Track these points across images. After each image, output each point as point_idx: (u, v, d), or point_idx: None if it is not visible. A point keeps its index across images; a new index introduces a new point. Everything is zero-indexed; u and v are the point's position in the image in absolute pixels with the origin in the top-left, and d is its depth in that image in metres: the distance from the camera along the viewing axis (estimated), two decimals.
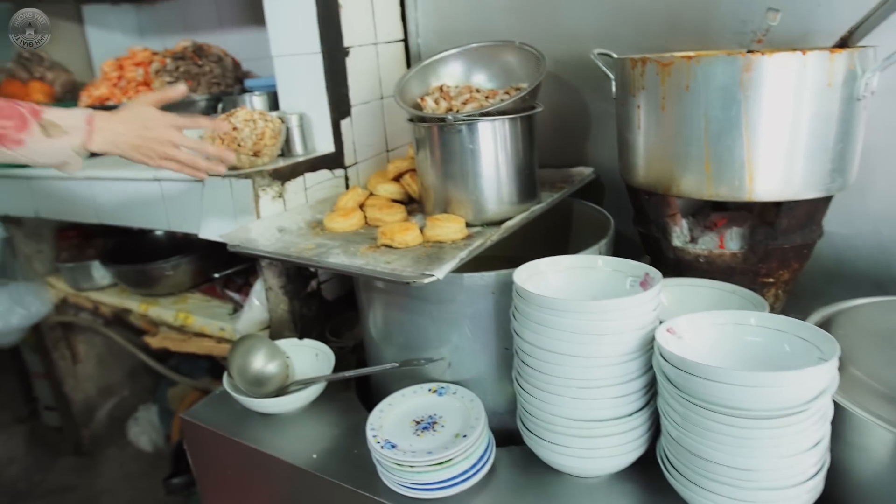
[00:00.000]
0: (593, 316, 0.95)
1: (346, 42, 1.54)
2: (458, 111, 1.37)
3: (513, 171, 1.33)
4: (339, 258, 1.21)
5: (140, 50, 1.94)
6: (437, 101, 1.41)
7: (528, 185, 1.37)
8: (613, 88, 1.37)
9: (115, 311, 2.02)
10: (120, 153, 1.21)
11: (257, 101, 1.61)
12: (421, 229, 1.28)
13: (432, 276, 1.06)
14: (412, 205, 1.53)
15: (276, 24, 1.52)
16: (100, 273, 2.03)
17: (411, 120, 1.38)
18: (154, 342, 1.89)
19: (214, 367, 2.13)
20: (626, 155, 1.34)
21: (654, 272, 1.04)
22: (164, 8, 2.26)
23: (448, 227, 1.27)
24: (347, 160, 1.59)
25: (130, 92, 1.90)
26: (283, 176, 1.43)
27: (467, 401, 1.15)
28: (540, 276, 1.12)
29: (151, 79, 1.87)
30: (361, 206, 1.47)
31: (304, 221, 1.45)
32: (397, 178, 1.56)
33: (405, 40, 1.76)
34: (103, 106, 1.91)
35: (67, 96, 2.05)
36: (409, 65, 1.78)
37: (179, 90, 1.26)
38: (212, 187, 1.44)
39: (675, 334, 0.96)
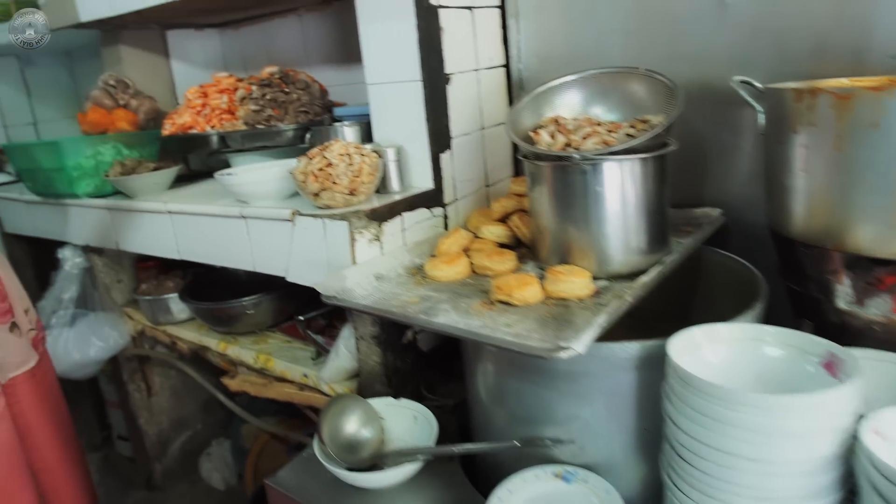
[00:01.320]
0: (779, 413, 0.76)
1: (448, 68, 1.39)
2: (577, 147, 1.20)
3: (643, 217, 1.16)
4: (450, 316, 1.06)
5: (225, 76, 1.85)
6: (552, 135, 1.24)
7: (659, 231, 1.19)
8: (761, 121, 1.18)
9: (193, 348, 1.92)
10: None
11: (349, 133, 1.47)
12: (538, 279, 1.12)
13: (571, 348, 0.89)
14: (520, 249, 1.36)
15: (372, 50, 1.39)
16: (178, 307, 1.94)
17: (525, 157, 1.21)
18: (233, 385, 1.77)
19: (285, 407, 2.01)
20: (779, 200, 1.14)
21: (845, 354, 0.85)
22: (249, 33, 2.17)
23: (573, 283, 1.10)
24: (447, 197, 1.44)
25: (214, 120, 1.80)
26: (380, 216, 1.29)
27: (601, 492, 0.97)
28: (695, 348, 0.94)
29: (236, 106, 1.76)
30: (466, 251, 1.32)
31: (403, 267, 1.30)
32: (503, 219, 1.39)
33: (507, 66, 1.60)
34: (186, 134, 1.82)
35: (151, 124, 1.97)
36: (510, 92, 1.63)
37: None
38: (302, 227, 1.31)
39: (884, 437, 0.76)
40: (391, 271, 1.28)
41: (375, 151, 1.36)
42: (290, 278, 1.39)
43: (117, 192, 1.85)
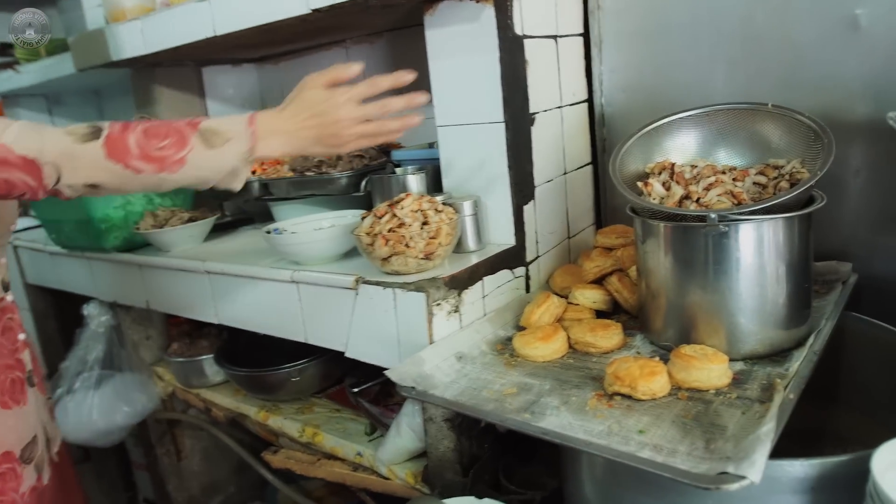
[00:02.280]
0: None
1: (533, 107, 1.20)
2: (699, 200, 1.00)
3: (786, 287, 0.96)
4: (562, 418, 0.86)
5: None
6: (666, 185, 1.04)
7: (802, 303, 0.99)
8: None
9: (230, 416, 1.72)
10: (298, 152, 1.01)
11: (414, 182, 1.28)
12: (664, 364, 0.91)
13: (745, 478, 0.68)
14: (620, 315, 1.16)
15: (444, 87, 1.20)
16: (213, 369, 1.75)
17: (635, 212, 1.01)
18: (276, 461, 1.57)
19: None
20: None
21: None
22: (289, 68, 2.01)
23: (710, 371, 0.89)
24: (529, 254, 1.24)
25: (255, 164, 1.62)
26: (460, 284, 1.09)
27: None
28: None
29: None
30: (559, 321, 1.12)
31: (486, 343, 1.10)
32: (597, 280, 1.19)
33: (590, 100, 1.41)
34: None
35: None
36: (592, 130, 1.43)
37: (354, 69, 1.00)
38: (368, 297, 1.11)
39: None
40: (474, 349, 1.08)
41: (451, 205, 1.17)
42: (350, 354, 1.19)
43: (148, 245, 1.67)
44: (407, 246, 1.06)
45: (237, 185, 1.00)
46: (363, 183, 1.40)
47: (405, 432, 1.28)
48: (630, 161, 1.10)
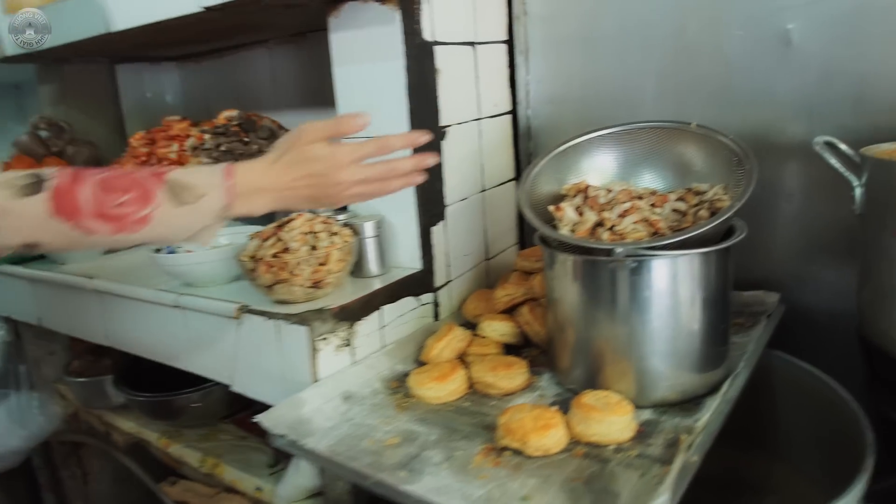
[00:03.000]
0: None
1: (444, 119, 1.10)
2: (613, 228, 0.91)
3: (701, 328, 0.87)
4: (440, 478, 0.75)
5: (176, 121, 1.55)
6: (579, 211, 0.95)
7: (719, 344, 0.90)
8: (857, 198, 0.89)
9: (131, 441, 1.59)
10: (284, 209, 0.87)
11: None
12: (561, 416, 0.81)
13: None
14: (531, 349, 1.06)
15: (348, 97, 1.10)
16: (114, 390, 1.61)
17: (545, 242, 0.92)
18: (173, 493, 1.45)
19: None
20: (880, 305, 0.85)
21: None
22: (212, 68, 1.87)
23: (610, 424, 0.80)
24: (437, 279, 1.14)
25: None
26: (352, 315, 0.98)
27: None
28: None
29: (187, 157, 1.46)
30: (463, 357, 1.01)
31: (380, 379, 0.99)
32: (509, 310, 1.09)
33: (513, 112, 1.31)
34: None
35: None
36: (516, 144, 1.33)
37: (362, 120, 0.84)
38: (251, 328, 1.00)
39: None
40: (365, 387, 0.97)
41: (350, 226, 1.06)
42: (237, 388, 1.07)
43: (43, 257, 1.53)
44: (292, 273, 0.95)
45: (206, 242, 0.85)
46: None
47: (303, 468, 1.16)
48: (545, 181, 1.00)
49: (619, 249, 0.79)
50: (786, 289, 1.13)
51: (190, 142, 1.42)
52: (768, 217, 1.14)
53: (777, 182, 1.12)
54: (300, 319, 0.93)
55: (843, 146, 0.93)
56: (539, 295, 1.08)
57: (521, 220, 1.37)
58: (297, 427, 0.88)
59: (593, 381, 0.89)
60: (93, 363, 1.69)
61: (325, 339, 0.94)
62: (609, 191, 0.96)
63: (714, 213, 0.89)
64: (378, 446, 0.83)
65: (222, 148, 1.34)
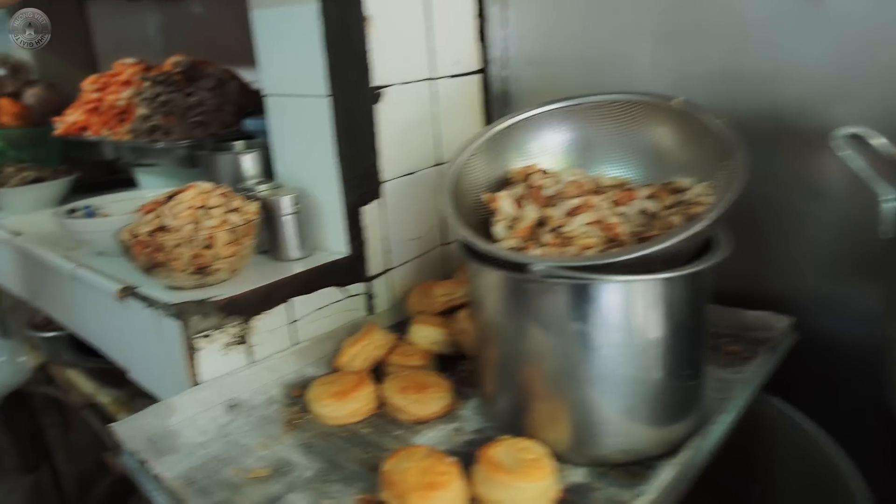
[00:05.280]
0: None
1: (379, 78, 0.88)
2: (557, 227, 0.69)
3: (661, 372, 0.65)
4: None
5: (130, 64, 1.37)
6: (518, 203, 0.73)
7: (688, 393, 0.68)
8: (887, 213, 0.65)
9: (88, 402, 1.47)
10: None
11: (247, 162, 0.98)
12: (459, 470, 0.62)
13: None
14: (466, 364, 0.86)
15: (267, 45, 0.89)
16: (66, 351, 1.48)
17: (469, 249, 0.71)
18: (116, 464, 1.32)
19: None
20: None
21: None
22: (196, 7, 1.67)
23: (520, 491, 0.60)
24: (372, 268, 0.94)
25: (112, 121, 1.32)
26: (247, 308, 0.80)
27: None
28: None
29: (135, 105, 1.28)
30: (382, 364, 0.82)
31: (281, 385, 0.82)
32: (449, 311, 0.89)
33: (483, 71, 1.08)
34: (77, 137, 1.35)
35: (47, 119, 1.50)
36: (488, 110, 1.11)
37: None
38: (135, 314, 0.83)
39: None
40: (259, 394, 0.80)
41: (261, 200, 0.86)
42: (135, 377, 0.91)
43: None
44: (171, 258, 0.77)
45: None
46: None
47: None
48: (484, 166, 0.78)
49: (537, 266, 0.58)
50: (801, 311, 0.87)
51: (131, 89, 1.24)
52: (786, 220, 0.89)
53: (800, 178, 0.87)
54: (176, 311, 0.76)
55: (875, 141, 0.68)
56: None
57: None
58: (157, 442, 0.72)
59: (519, 419, 0.69)
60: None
61: (207, 335, 0.77)
62: (559, 181, 0.74)
63: (692, 218, 0.67)
64: (240, 478, 0.66)
65: (161, 98, 1.15)
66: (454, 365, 0.85)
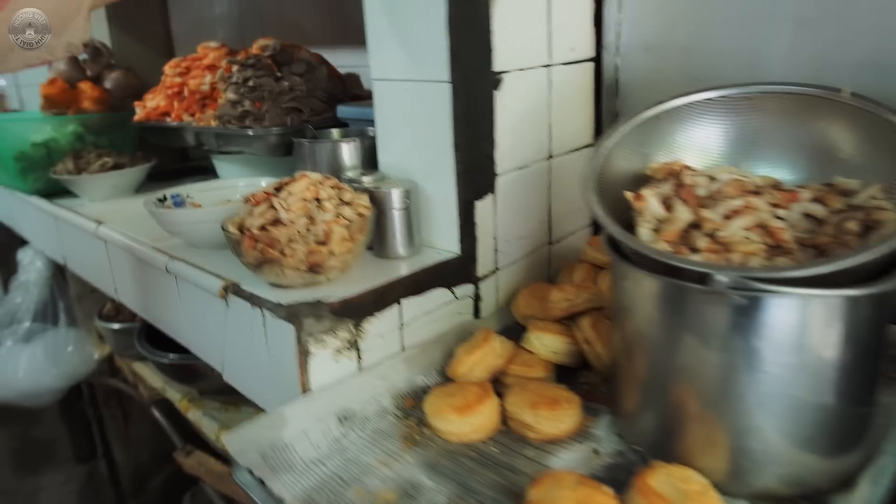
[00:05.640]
0: None
1: (499, 63, 0.81)
2: (714, 232, 0.62)
3: (837, 398, 0.57)
4: None
5: (214, 48, 1.32)
6: (667, 204, 0.66)
7: (860, 423, 0.61)
8: None
9: (156, 398, 1.44)
10: None
11: (347, 152, 0.93)
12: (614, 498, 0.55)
13: None
14: (588, 374, 0.79)
15: (381, 22, 0.83)
16: (139, 344, 1.46)
17: (614, 247, 0.64)
18: (187, 465, 1.29)
19: None
20: None
21: None
22: None
23: None
24: (481, 268, 0.88)
25: (194, 107, 1.28)
26: (359, 311, 0.74)
27: None
28: None
29: (221, 90, 1.24)
30: (500, 376, 0.76)
31: (393, 395, 0.76)
32: (568, 318, 0.82)
33: (597, 59, 1.01)
34: (158, 123, 1.31)
35: (127, 103, 1.47)
36: (598, 102, 1.03)
37: None
38: (238, 312, 0.78)
39: None
40: (371, 404, 0.74)
41: (370, 194, 0.81)
42: (228, 378, 0.87)
43: (67, 192, 1.36)
44: (283, 253, 0.71)
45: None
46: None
47: None
48: (624, 156, 0.71)
49: (719, 277, 0.51)
50: None
51: (218, 73, 1.19)
52: None
53: None
54: (288, 313, 0.70)
55: None
56: (608, 305, 0.80)
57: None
58: (271, 456, 0.66)
59: (667, 442, 0.62)
60: (125, 307, 1.55)
61: (320, 340, 0.71)
62: (712, 178, 0.67)
63: (869, 227, 0.59)
64: (366, 501, 0.60)
65: (250, 83, 1.11)
66: (572, 377, 0.79)
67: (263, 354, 0.76)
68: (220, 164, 1.31)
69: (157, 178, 1.44)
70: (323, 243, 0.72)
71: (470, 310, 0.89)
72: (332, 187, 0.77)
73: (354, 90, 1.27)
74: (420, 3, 0.76)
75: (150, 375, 1.46)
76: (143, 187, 1.38)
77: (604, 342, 0.77)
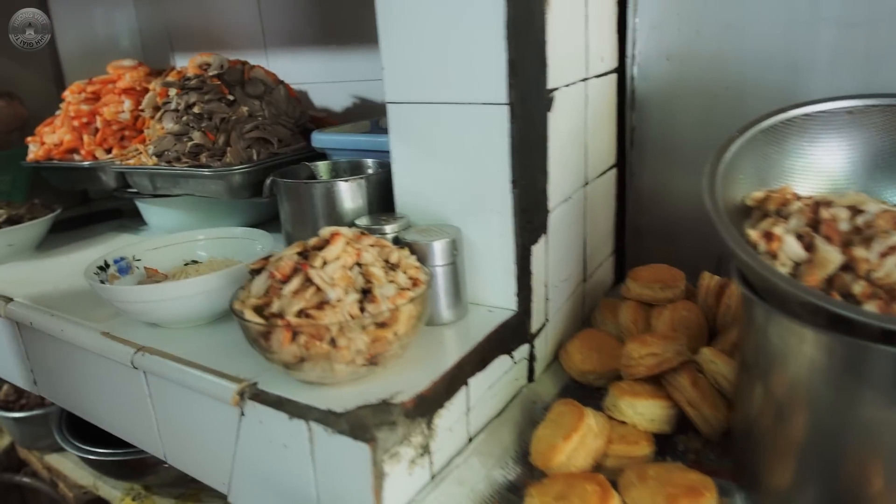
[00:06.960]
0: None
1: (552, 80, 0.66)
2: (869, 273, 0.51)
3: None
4: None
5: (130, 66, 1.07)
6: (807, 242, 0.54)
7: None
8: None
9: (85, 499, 1.16)
10: None
11: (347, 193, 0.74)
12: None
13: None
14: (688, 440, 0.66)
15: (400, 32, 0.65)
16: (60, 436, 1.16)
17: (751, 289, 0.51)
18: None
19: None
20: None
21: None
22: (174, 5, 1.37)
23: None
24: (535, 323, 0.72)
25: (110, 141, 1.03)
26: (431, 406, 0.56)
27: None
28: None
29: (146, 120, 1.00)
30: (602, 457, 0.61)
31: (475, 500, 0.58)
32: (654, 378, 0.69)
33: (621, 70, 0.88)
34: (64, 163, 1.05)
35: (14, 137, 1.17)
36: (621, 118, 0.91)
37: None
38: (258, 422, 0.57)
39: None
40: None
41: (410, 247, 0.63)
42: (235, 500, 0.65)
43: None
44: (334, 345, 0.52)
45: None
46: (267, 183, 0.84)
47: None
48: (728, 183, 0.59)
49: None
50: None
51: (148, 98, 0.95)
52: None
53: None
54: (352, 426, 0.51)
55: None
56: (699, 358, 0.67)
57: (620, 221, 0.95)
58: None
59: None
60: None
61: (395, 455, 0.53)
62: (856, 210, 0.56)
63: None
64: None
65: (195, 109, 0.88)
66: (668, 444, 0.66)
67: (309, 477, 0.56)
68: (150, 208, 1.06)
69: (58, 229, 1.15)
70: (383, 325, 0.54)
71: (525, 373, 0.73)
72: (373, 245, 0.59)
73: (310, 111, 1.07)
74: (469, 8, 0.59)
75: (72, 470, 1.18)
76: (44, 243, 1.10)
77: (710, 403, 0.65)
